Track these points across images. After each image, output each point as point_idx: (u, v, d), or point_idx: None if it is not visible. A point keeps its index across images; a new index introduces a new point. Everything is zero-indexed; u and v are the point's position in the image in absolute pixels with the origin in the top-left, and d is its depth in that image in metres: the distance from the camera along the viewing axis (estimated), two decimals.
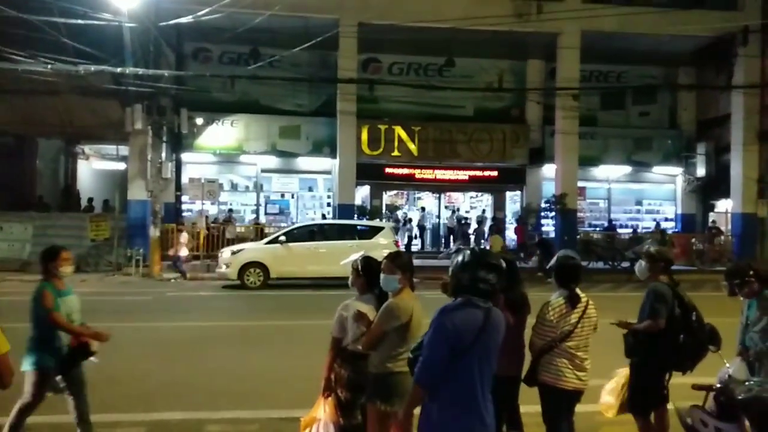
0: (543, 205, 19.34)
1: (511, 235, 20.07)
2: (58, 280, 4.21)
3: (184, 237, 15.27)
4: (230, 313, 10.95)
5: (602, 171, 21.03)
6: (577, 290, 3.89)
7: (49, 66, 13.42)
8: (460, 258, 2.68)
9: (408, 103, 19.50)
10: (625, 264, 16.12)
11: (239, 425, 5.01)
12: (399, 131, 18.94)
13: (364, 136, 18.54)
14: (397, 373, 3.42)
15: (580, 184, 19.36)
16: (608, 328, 4.16)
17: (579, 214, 19.57)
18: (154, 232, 15.77)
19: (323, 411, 3.69)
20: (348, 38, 17.20)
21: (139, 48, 15.21)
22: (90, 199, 20.53)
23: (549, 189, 19.53)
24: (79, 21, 13.36)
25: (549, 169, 19.51)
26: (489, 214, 21.11)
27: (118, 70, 14.19)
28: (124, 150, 17.61)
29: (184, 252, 15.13)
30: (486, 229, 19.79)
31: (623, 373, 4.34)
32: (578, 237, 18.53)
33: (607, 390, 4.42)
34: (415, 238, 21.24)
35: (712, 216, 20.30)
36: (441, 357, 2.52)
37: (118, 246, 15.95)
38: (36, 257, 16.02)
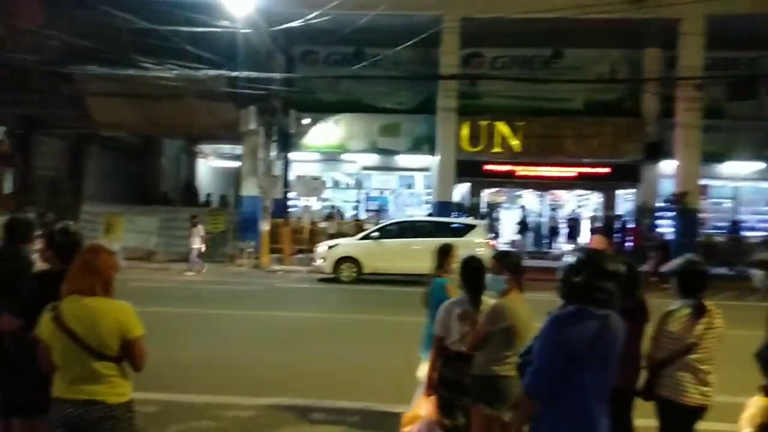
0: (660, 204, 17.94)
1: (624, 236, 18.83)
2: (447, 275, 4.44)
3: (200, 230, 15.11)
4: (328, 305, 11.29)
5: (728, 168, 19.11)
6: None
7: (174, 72, 14.63)
8: (573, 261, 2.47)
9: (511, 98, 18.92)
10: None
11: (342, 415, 5.13)
12: (501, 127, 18.45)
13: (465, 132, 18.28)
14: (503, 377, 3.32)
15: (702, 182, 17.74)
16: (733, 339, 3.75)
17: (701, 215, 17.95)
18: (264, 226, 16.66)
19: (425, 410, 3.67)
20: (450, 34, 17.04)
21: (253, 52, 16.14)
22: (208, 195, 22.16)
23: (667, 187, 18.08)
24: (200, 29, 14.43)
25: (667, 166, 18.06)
26: (592, 213, 19.95)
27: (234, 74, 15.15)
28: (238, 149, 18.76)
29: (196, 245, 14.92)
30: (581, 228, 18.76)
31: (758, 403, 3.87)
32: (699, 240, 17.00)
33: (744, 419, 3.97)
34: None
35: None
36: (552, 367, 2.38)
37: (232, 239, 17.04)
38: (161, 247, 17.40)
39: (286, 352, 7.27)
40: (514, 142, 18.40)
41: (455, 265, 4.10)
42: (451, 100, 17.37)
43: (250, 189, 17.31)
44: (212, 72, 14.74)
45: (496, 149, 18.48)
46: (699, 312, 3.47)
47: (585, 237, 18.73)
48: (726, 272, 15.62)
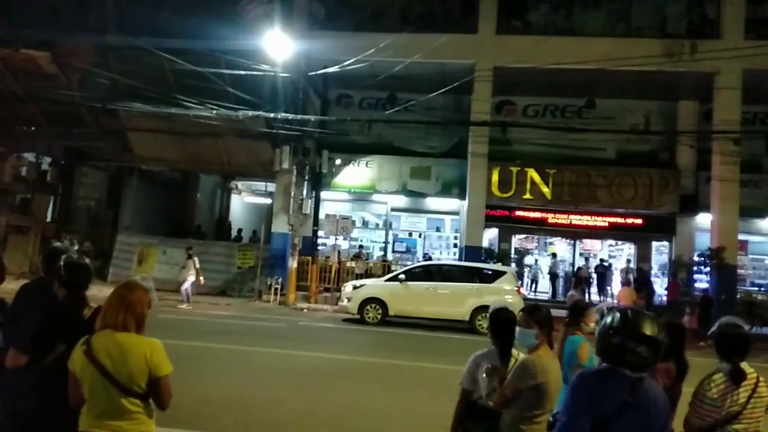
0: (696, 258, 17.44)
1: (658, 290, 18.30)
2: (581, 333, 4.36)
3: (195, 262, 14.77)
4: (353, 347, 11.18)
5: None
6: (742, 364, 3.39)
7: (215, 112, 15.20)
8: (608, 320, 2.41)
9: (543, 146, 18.94)
10: None
11: None
12: (532, 173, 18.42)
13: (495, 177, 18.30)
14: None
15: (741, 237, 17.22)
16: None
17: (740, 271, 17.36)
18: (292, 263, 16.80)
19: None
20: (483, 82, 17.29)
21: (290, 95, 16.69)
22: (239, 230, 22.54)
23: (703, 241, 17.60)
24: (241, 72, 15.05)
25: (703, 219, 17.66)
26: (624, 264, 19.49)
27: (271, 115, 15.65)
28: (271, 186, 19.15)
29: (191, 279, 14.63)
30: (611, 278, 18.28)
31: None
32: (738, 297, 16.38)
33: None
34: (535, 283, 20.33)
35: None
36: (575, 426, 2.32)
37: (261, 274, 17.21)
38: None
39: (307, 394, 7.22)
40: (545, 189, 18.31)
41: (592, 324, 4.01)
42: (482, 146, 17.48)
43: (280, 226, 17.57)
44: (251, 113, 15.27)
45: (527, 196, 18.40)
46: (736, 377, 3.33)
47: (615, 287, 18.25)
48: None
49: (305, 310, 15.57)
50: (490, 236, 19.73)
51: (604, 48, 15.87)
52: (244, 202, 25.20)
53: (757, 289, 18.35)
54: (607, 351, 2.39)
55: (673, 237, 18.75)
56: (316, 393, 7.28)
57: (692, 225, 18.41)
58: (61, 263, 3.38)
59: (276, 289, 16.35)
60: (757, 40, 15.83)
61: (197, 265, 14.91)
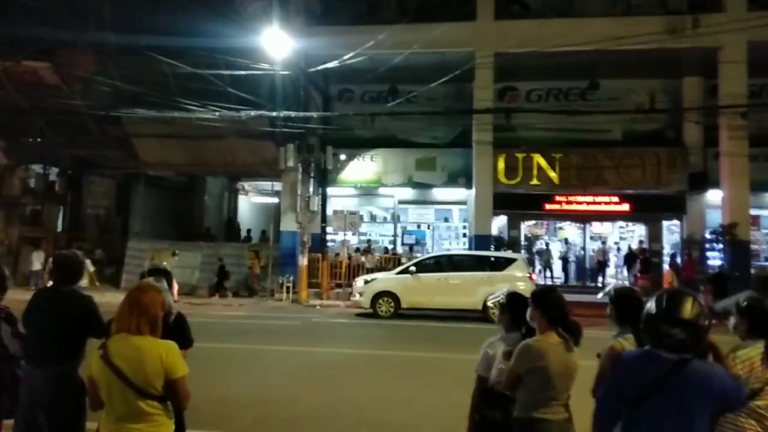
0: (708, 236, 17.28)
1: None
2: None
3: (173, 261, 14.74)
4: (367, 341, 11.21)
5: None
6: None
7: (217, 113, 15.21)
8: (649, 305, 2.44)
9: (547, 130, 18.78)
10: None
11: None
12: (538, 159, 18.28)
13: (501, 165, 18.19)
14: (540, 420, 3.19)
15: (753, 212, 17.05)
16: None
17: (753, 247, 17.19)
18: (302, 261, 16.84)
19: None
20: (484, 69, 17.18)
21: (291, 93, 16.67)
22: (248, 230, 22.61)
23: (714, 218, 17.45)
24: (241, 72, 15.04)
25: (714, 196, 17.48)
26: (637, 245, 19.31)
27: (274, 114, 15.64)
28: (277, 185, 19.20)
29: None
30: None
31: None
32: (753, 272, 16.21)
33: None
34: (548, 269, 20.20)
35: None
36: (608, 406, 2.38)
37: (272, 273, 17.27)
38: (204, 282, 17.71)
39: (325, 390, 7.23)
40: (552, 174, 18.18)
41: None
42: (486, 134, 17.39)
43: (289, 224, 17.61)
44: (253, 112, 15.27)
45: (534, 181, 18.28)
46: None
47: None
48: None
49: (318, 307, 15.62)
50: (499, 224, 19.66)
51: (604, 28, 15.68)
52: (251, 202, 25.27)
53: None
54: (646, 334, 2.41)
55: (683, 215, 18.58)
56: (333, 388, 7.30)
57: (702, 202, 18.22)
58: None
59: (288, 287, 16.40)
60: (761, 10, 15.59)
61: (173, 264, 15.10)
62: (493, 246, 17.41)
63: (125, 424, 2.62)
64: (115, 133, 18.06)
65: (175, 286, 4.13)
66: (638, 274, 17.00)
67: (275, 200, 19.71)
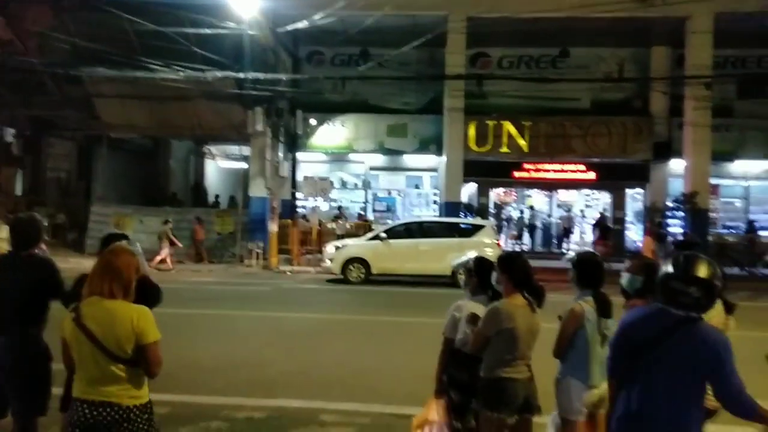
0: (670, 204, 17.83)
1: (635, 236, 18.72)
2: None
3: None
4: (338, 306, 11.31)
5: (739, 166, 18.97)
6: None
7: (182, 74, 14.69)
8: (665, 267, 2.50)
9: (518, 98, 18.86)
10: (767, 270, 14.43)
11: (352, 417, 5.14)
12: (508, 127, 18.41)
13: (472, 132, 18.25)
14: (506, 379, 3.32)
15: (712, 181, 17.62)
16: (746, 341, 3.73)
17: (712, 215, 17.82)
18: (272, 227, 16.72)
19: (436, 412, 3.67)
20: (456, 34, 17.03)
21: (259, 54, 16.19)
22: (216, 196, 22.25)
23: (676, 186, 17.98)
24: (207, 30, 14.50)
25: (677, 165, 17.96)
26: (600, 212, 19.77)
27: (241, 75, 15.20)
28: (246, 150, 18.86)
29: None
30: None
31: None
32: (710, 239, 16.86)
33: None
34: (519, 237, 20.57)
35: None
36: (615, 356, 2.56)
37: (241, 239, 17.11)
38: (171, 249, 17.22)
39: (297, 354, 7.29)
40: (522, 142, 18.35)
41: None
42: (457, 100, 17.35)
43: (258, 190, 17.39)
44: (219, 73, 14.81)
45: (504, 149, 18.44)
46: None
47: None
48: (738, 273, 15.50)
49: (288, 273, 15.61)
50: (469, 191, 19.83)
51: None
52: (219, 167, 24.78)
53: (727, 231, 18.89)
54: (662, 293, 2.47)
55: (647, 184, 19.08)
56: (305, 353, 7.36)
57: (665, 171, 18.72)
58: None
59: (258, 253, 16.31)
60: None
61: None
62: (463, 213, 17.59)
63: (97, 386, 2.61)
64: (75, 93, 17.32)
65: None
66: (596, 241, 17.48)
67: (244, 165, 19.39)
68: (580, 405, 3.46)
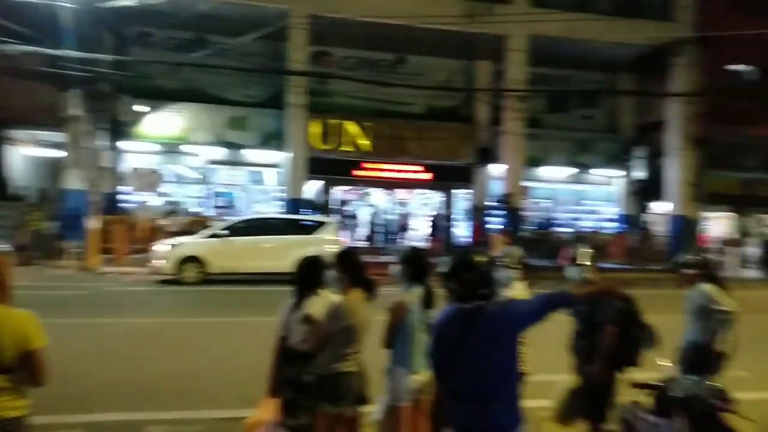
0: (490, 203, 19.76)
1: (462, 232, 20.37)
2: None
3: None
4: (168, 310, 10.61)
5: (546, 171, 21.68)
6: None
7: None
8: (442, 267, 2.77)
9: (360, 99, 19.37)
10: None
11: (181, 426, 4.87)
12: (350, 126, 18.84)
13: (315, 130, 18.32)
14: (345, 374, 3.42)
15: (526, 183, 19.89)
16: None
17: (524, 213, 20.11)
18: (92, 223, 15.06)
19: (268, 412, 3.63)
20: (298, 30, 16.97)
21: (75, 29, 14.41)
22: (24, 188, 19.35)
23: (496, 188, 19.96)
24: None
25: (496, 169, 19.95)
26: (436, 212, 21.27)
27: (52, 51, 13.40)
28: (60, 137, 16.72)
29: None
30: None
31: None
32: (521, 235, 18.99)
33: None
34: (371, 235, 21.26)
35: (645, 217, 21.32)
36: (433, 352, 2.68)
37: (54, 237, 15.16)
38: None
39: (121, 363, 6.69)
40: (364, 142, 18.91)
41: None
42: (300, 97, 17.29)
43: (74, 182, 15.56)
44: (25, 47, 12.91)
45: (347, 148, 18.82)
46: None
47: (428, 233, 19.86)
48: (546, 264, 17.69)
49: (111, 275, 14.20)
50: (316, 188, 19.87)
51: (412, 4, 16.47)
52: (27, 155, 21.60)
53: (536, 228, 21.48)
54: (448, 293, 2.71)
55: (472, 185, 20.92)
56: (131, 361, 6.79)
57: (487, 174, 20.68)
58: None
59: (74, 253, 14.57)
60: (541, 8, 17.89)
61: None
62: (309, 210, 17.61)
63: None
64: None
65: None
66: (429, 237, 18.96)
67: (60, 154, 17.19)
68: (406, 392, 3.67)
